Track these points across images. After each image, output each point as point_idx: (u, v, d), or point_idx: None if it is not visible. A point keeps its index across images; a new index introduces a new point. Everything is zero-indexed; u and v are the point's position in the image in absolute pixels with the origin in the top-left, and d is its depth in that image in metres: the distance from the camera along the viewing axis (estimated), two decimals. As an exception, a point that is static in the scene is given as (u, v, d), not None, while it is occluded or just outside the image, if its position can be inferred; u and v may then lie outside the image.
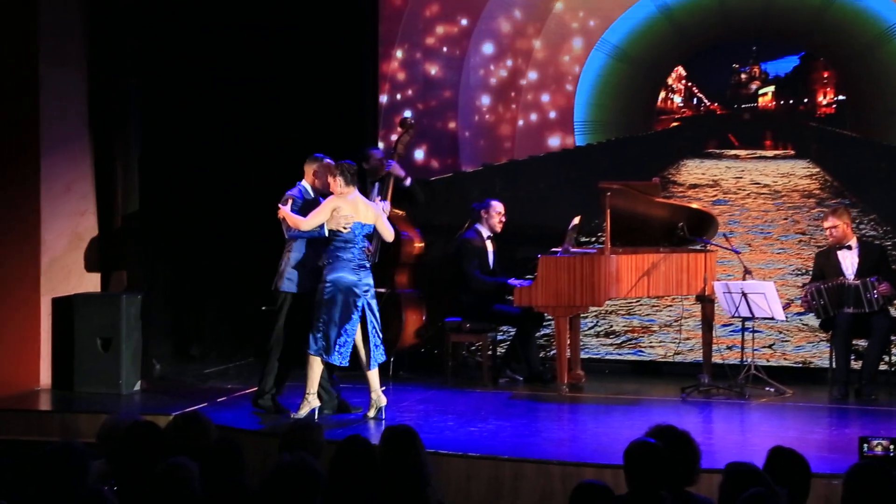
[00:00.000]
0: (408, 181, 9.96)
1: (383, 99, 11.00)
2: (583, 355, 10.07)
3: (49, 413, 8.65)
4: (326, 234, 7.98)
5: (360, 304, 8.05)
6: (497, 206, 9.90)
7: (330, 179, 8.08)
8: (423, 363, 10.32)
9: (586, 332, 10.51)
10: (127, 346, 9.12)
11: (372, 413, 8.19)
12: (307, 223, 8.01)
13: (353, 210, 8.02)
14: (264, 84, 10.87)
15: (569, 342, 9.46)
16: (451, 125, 11.01)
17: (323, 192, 8.25)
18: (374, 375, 8.19)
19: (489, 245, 9.92)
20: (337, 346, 8.00)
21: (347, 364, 8.13)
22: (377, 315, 8.22)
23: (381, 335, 8.22)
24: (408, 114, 10.74)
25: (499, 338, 10.17)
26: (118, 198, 9.74)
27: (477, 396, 9.24)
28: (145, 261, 10.31)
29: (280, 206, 8.14)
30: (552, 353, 10.03)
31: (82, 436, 7.72)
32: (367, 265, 8.18)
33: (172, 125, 10.80)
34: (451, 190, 10.91)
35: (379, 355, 8.19)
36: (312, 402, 8.08)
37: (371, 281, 8.18)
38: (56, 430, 8.17)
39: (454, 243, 9.96)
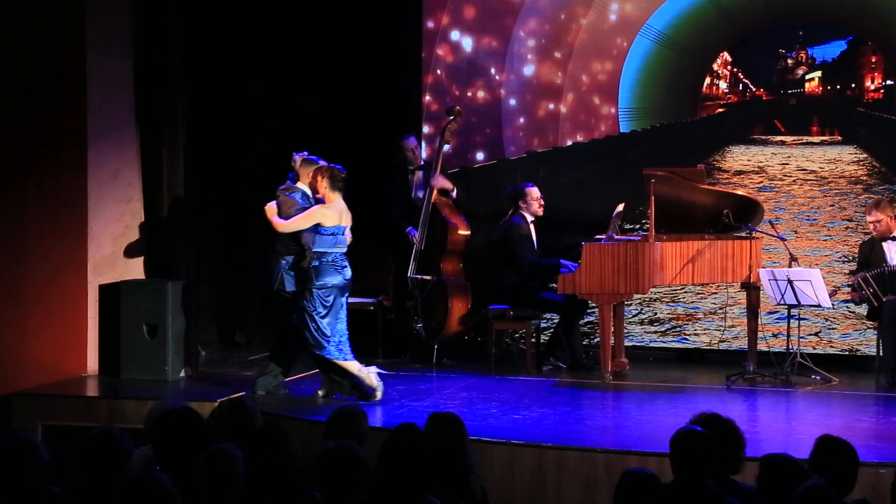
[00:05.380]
0: (454, 193, 10.02)
1: (427, 86, 10.98)
2: (627, 343, 10.03)
3: (96, 399, 8.72)
4: (314, 248, 8.20)
5: (345, 297, 8.32)
6: (533, 192, 9.86)
7: (318, 179, 8.20)
8: (467, 351, 10.32)
9: (630, 320, 10.47)
10: (172, 333, 9.17)
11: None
12: (286, 226, 8.25)
13: (337, 219, 8.19)
14: (308, 70, 10.89)
15: (613, 330, 9.44)
16: (495, 112, 10.98)
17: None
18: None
19: (533, 230, 9.91)
20: (336, 344, 8.21)
21: (352, 357, 8.29)
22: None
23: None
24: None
25: (542, 325, 10.16)
26: (164, 185, 9.79)
27: (520, 384, 9.23)
28: (191, 248, 10.38)
29: (268, 205, 8.33)
30: (596, 340, 10.01)
31: (128, 422, 7.80)
32: (347, 263, 8.31)
33: (218, 112, 10.87)
34: (495, 177, 10.89)
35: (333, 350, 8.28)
36: (369, 371, 8.28)
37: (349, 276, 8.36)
38: (103, 416, 8.24)
39: (501, 229, 9.95)
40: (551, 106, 10.89)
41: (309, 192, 8.41)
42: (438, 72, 10.98)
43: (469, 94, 10.96)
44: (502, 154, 10.97)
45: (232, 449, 4.58)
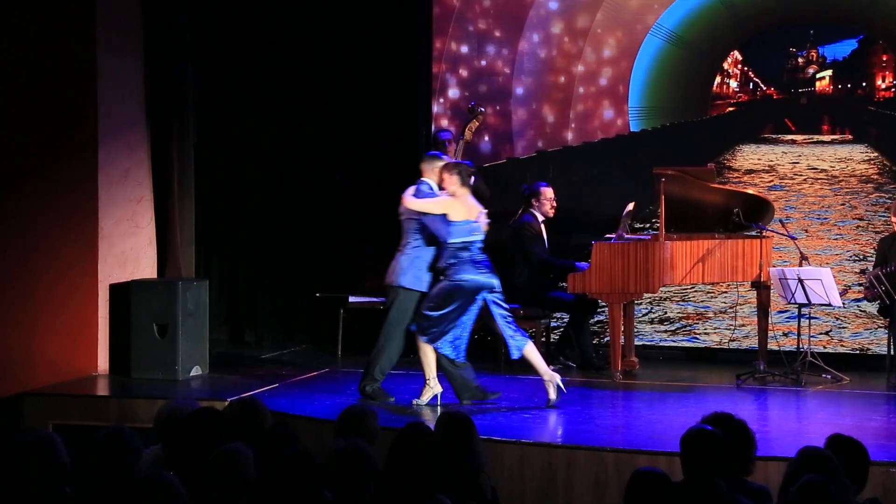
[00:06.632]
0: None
1: (437, 84, 10.98)
2: (637, 342, 10.03)
3: (106, 398, 8.73)
4: (449, 240, 8.07)
5: (479, 301, 8.10)
6: (547, 193, 9.85)
7: (445, 176, 8.16)
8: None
9: (640, 319, 10.46)
10: (183, 333, 9.18)
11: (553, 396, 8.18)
12: (416, 203, 8.13)
13: (466, 213, 8.10)
14: (318, 69, 10.90)
15: (622, 329, 9.43)
16: (505, 111, 10.98)
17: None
18: (533, 356, 8.21)
19: (543, 229, 9.89)
20: (451, 339, 8.07)
21: (463, 359, 8.16)
22: (504, 307, 8.21)
23: (514, 324, 8.21)
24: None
25: (552, 324, 10.15)
26: (174, 184, 9.80)
27: (530, 383, 9.21)
28: (201, 247, 10.39)
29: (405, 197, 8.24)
30: (606, 339, 10.00)
31: (139, 421, 7.81)
32: (487, 260, 8.18)
33: (228, 112, 10.88)
34: (505, 176, 10.89)
35: (519, 341, 8.16)
36: (434, 387, 8.18)
37: (494, 279, 8.16)
38: (113, 416, 8.24)
39: (511, 228, 9.93)
40: (562, 104, 10.87)
41: (435, 186, 8.35)
42: (450, 66, 10.97)
43: (479, 90, 10.94)
44: (512, 153, 10.96)
45: (242, 448, 4.58)
